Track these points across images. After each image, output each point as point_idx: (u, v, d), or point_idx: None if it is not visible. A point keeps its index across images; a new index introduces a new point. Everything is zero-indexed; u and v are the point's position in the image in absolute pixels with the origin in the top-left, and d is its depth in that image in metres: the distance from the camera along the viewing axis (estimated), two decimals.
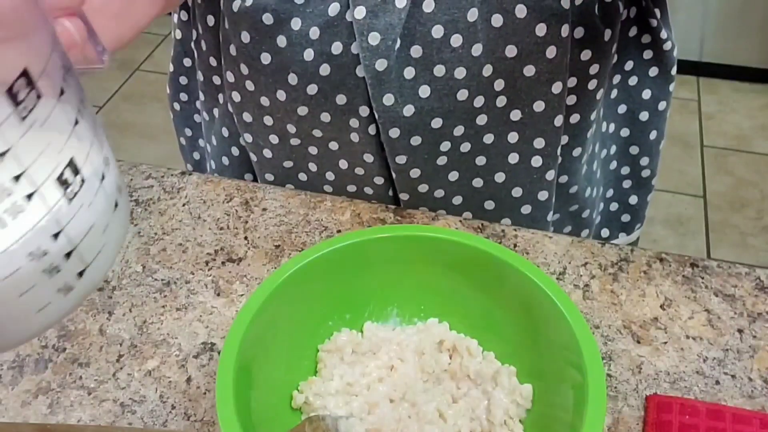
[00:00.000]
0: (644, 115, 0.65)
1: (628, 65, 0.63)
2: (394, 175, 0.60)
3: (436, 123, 0.56)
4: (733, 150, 2.07)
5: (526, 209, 0.62)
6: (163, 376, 0.48)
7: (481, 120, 0.57)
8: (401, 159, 0.58)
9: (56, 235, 0.24)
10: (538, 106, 0.56)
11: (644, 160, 0.68)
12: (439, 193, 0.61)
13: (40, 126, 0.22)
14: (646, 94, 0.64)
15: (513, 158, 0.59)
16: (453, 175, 0.60)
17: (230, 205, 0.61)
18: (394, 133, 0.56)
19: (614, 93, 0.64)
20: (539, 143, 0.58)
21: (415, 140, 0.57)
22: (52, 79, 0.23)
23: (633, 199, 0.71)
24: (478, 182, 0.61)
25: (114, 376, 0.49)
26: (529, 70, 0.54)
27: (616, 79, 0.63)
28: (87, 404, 0.47)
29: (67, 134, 0.24)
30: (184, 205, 0.61)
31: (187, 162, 0.77)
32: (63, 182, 0.24)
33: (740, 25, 2.17)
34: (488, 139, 0.58)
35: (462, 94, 0.55)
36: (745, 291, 0.54)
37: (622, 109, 0.65)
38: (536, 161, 0.59)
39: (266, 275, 0.55)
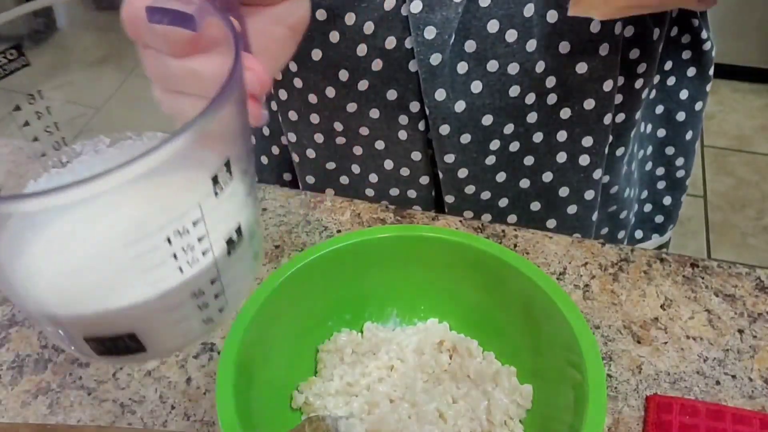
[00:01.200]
0: (681, 116, 0.65)
1: (668, 65, 0.62)
2: (441, 176, 0.60)
3: (487, 120, 0.56)
4: (733, 150, 2.07)
5: (572, 209, 0.62)
6: (162, 376, 0.48)
7: (531, 118, 0.57)
8: (449, 158, 0.58)
9: (213, 281, 0.30)
10: (588, 104, 0.56)
11: (679, 161, 0.68)
12: (486, 194, 0.61)
13: (226, 199, 0.29)
14: (683, 94, 0.64)
15: (561, 157, 0.59)
16: (500, 176, 0.60)
17: None
18: (444, 129, 0.56)
19: (653, 93, 0.64)
20: (587, 141, 0.58)
21: (465, 138, 0.57)
22: (240, 163, 0.29)
23: (667, 200, 0.70)
24: (525, 183, 0.60)
25: (114, 377, 0.49)
26: (582, 67, 0.54)
27: (656, 79, 0.63)
28: (87, 404, 0.47)
29: (240, 205, 0.30)
30: None
31: None
32: (229, 242, 0.30)
33: (739, 26, 2.17)
34: (537, 137, 0.58)
35: (514, 91, 0.55)
36: (746, 291, 0.54)
37: (659, 109, 0.65)
38: (584, 160, 0.59)
39: (266, 275, 0.54)
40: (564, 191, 0.61)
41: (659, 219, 0.72)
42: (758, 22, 2.15)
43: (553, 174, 0.60)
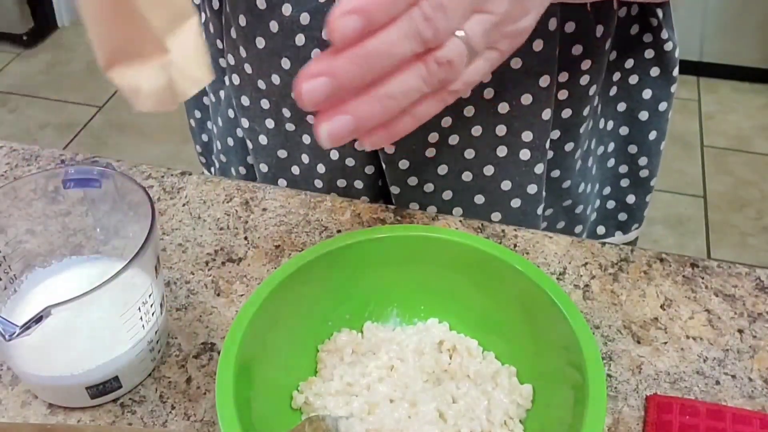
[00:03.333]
0: (644, 115, 0.65)
1: (629, 63, 0.63)
2: (384, 167, 0.61)
3: None
4: (733, 150, 2.07)
5: (515, 203, 0.62)
6: (162, 376, 0.48)
7: (469, 111, 0.57)
8: (389, 149, 0.59)
9: (157, 332, 0.47)
10: (526, 99, 0.57)
11: (643, 160, 0.68)
12: (429, 187, 0.62)
13: (159, 279, 0.47)
14: (647, 93, 0.64)
15: (501, 151, 0.59)
16: (442, 169, 0.61)
17: (230, 205, 0.61)
18: None
19: (613, 90, 0.64)
20: (527, 136, 0.58)
21: None
22: (158, 259, 0.46)
23: (630, 198, 0.71)
24: (467, 176, 0.61)
25: None
26: (516, 63, 0.55)
27: (616, 76, 0.63)
28: (87, 404, 0.47)
29: (161, 280, 0.48)
30: (184, 205, 0.61)
31: (196, 143, 0.78)
32: (161, 304, 0.48)
33: (740, 25, 2.17)
34: (476, 131, 0.58)
35: None
36: (745, 291, 0.54)
37: (621, 107, 0.65)
38: (524, 154, 0.59)
39: (266, 275, 0.54)
40: (506, 185, 0.61)
41: (622, 216, 0.72)
42: (758, 22, 2.15)
43: (495, 168, 0.60)
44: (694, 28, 2.20)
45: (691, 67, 2.27)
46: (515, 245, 0.57)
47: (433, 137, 0.58)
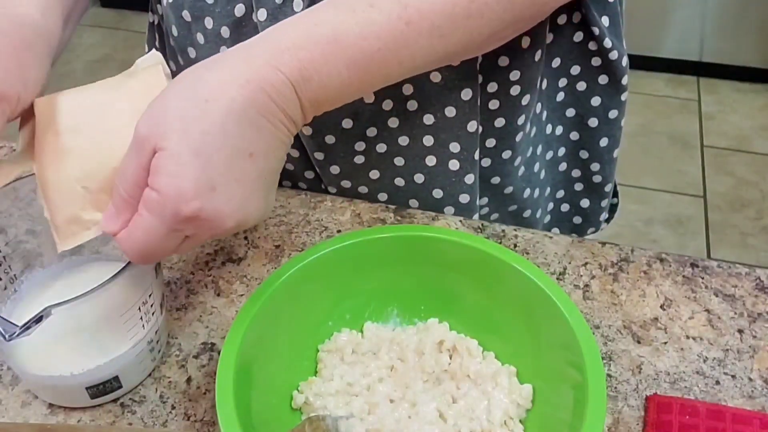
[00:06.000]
0: (593, 122, 0.65)
1: (575, 70, 0.62)
2: (318, 170, 0.62)
3: (347, 123, 0.57)
4: (733, 150, 2.07)
5: (449, 210, 0.63)
6: (162, 376, 0.48)
7: (393, 123, 0.58)
8: (319, 155, 0.60)
9: (157, 332, 0.48)
10: (450, 111, 0.57)
11: (595, 166, 0.68)
12: (363, 189, 0.63)
13: (159, 279, 0.47)
14: (596, 101, 0.64)
15: (430, 161, 0.60)
16: (374, 174, 0.61)
17: None
18: (307, 130, 0.58)
19: (561, 96, 0.64)
20: (455, 147, 0.59)
21: (329, 138, 0.58)
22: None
23: (584, 203, 0.71)
24: (400, 181, 0.62)
25: None
26: (435, 77, 0.55)
27: (562, 82, 0.63)
28: (87, 404, 0.47)
29: (161, 281, 0.48)
30: None
31: None
32: (161, 304, 0.48)
33: (740, 25, 2.17)
34: (403, 141, 0.59)
35: (369, 97, 0.56)
36: (745, 291, 0.54)
37: (570, 112, 0.65)
38: (453, 164, 0.60)
39: (266, 275, 0.54)
40: (438, 193, 0.62)
41: (577, 220, 0.72)
42: (758, 22, 2.15)
43: (425, 176, 0.61)
44: (694, 28, 2.19)
45: (691, 67, 2.26)
46: (515, 245, 0.57)
47: (360, 146, 0.59)
